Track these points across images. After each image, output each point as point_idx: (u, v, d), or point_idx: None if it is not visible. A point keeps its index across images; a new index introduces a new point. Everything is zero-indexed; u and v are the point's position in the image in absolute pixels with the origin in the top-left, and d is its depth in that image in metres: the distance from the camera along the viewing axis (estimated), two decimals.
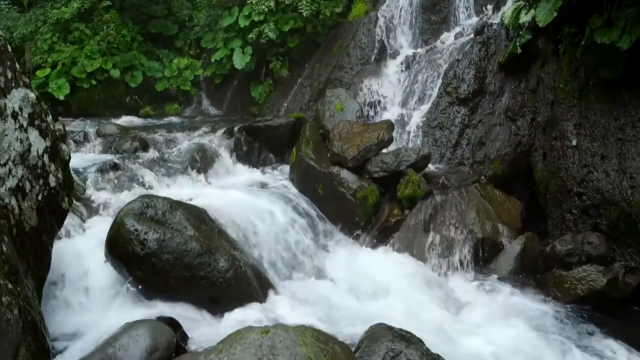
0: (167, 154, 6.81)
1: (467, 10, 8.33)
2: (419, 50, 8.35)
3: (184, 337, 3.90)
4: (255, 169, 7.16)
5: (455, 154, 6.87)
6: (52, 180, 3.77)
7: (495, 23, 7.37)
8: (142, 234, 4.27)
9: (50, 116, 3.90)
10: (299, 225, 5.69)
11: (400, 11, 8.77)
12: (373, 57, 8.62)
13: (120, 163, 6.34)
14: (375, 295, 4.84)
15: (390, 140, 6.29)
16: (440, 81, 7.33)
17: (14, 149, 3.39)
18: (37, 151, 3.62)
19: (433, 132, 7.09)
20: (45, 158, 3.71)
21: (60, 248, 4.53)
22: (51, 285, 4.16)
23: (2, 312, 2.67)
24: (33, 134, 3.59)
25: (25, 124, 3.51)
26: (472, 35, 7.62)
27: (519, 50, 6.44)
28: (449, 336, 4.11)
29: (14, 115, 3.42)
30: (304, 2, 8.98)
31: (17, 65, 3.61)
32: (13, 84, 3.49)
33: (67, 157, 4.19)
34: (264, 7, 9.10)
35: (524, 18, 6.16)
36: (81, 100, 9.85)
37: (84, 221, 5.06)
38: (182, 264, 4.27)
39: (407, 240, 5.59)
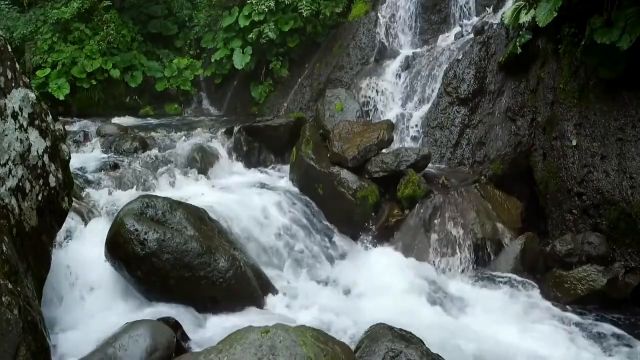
0: (167, 154, 6.80)
1: (467, 10, 8.34)
2: (418, 50, 8.36)
3: (184, 337, 3.89)
4: (255, 169, 7.16)
5: (455, 154, 6.87)
6: (52, 180, 3.77)
7: (495, 23, 7.37)
8: (142, 234, 4.27)
9: (50, 116, 3.89)
10: (299, 225, 5.69)
11: (400, 11, 8.77)
12: (373, 57, 8.63)
13: (120, 163, 6.33)
14: (375, 295, 4.84)
15: (390, 140, 6.30)
16: (440, 81, 7.33)
17: (14, 149, 3.39)
18: (37, 151, 3.62)
19: (433, 132, 7.09)
20: (45, 158, 3.70)
21: (60, 248, 4.54)
22: (51, 284, 4.16)
23: (2, 312, 2.67)
24: (33, 134, 3.59)
25: (25, 124, 3.51)
26: (472, 35, 7.62)
27: (519, 50, 6.44)
28: (449, 336, 4.11)
29: (14, 115, 3.42)
30: (304, 2, 8.99)
31: (17, 65, 3.61)
32: (13, 84, 3.49)
33: (67, 157, 4.19)
34: (264, 7, 9.10)
35: (524, 18, 6.16)
36: (81, 100, 9.85)
37: (83, 221, 5.05)
38: (182, 264, 4.27)
39: (407, 240, 5.59)
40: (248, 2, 9.37)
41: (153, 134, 7.65)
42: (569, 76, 5.59)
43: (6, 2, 10.35)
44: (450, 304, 4.78)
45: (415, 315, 4.40)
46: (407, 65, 8.11)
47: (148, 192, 5.74)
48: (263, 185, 6.47)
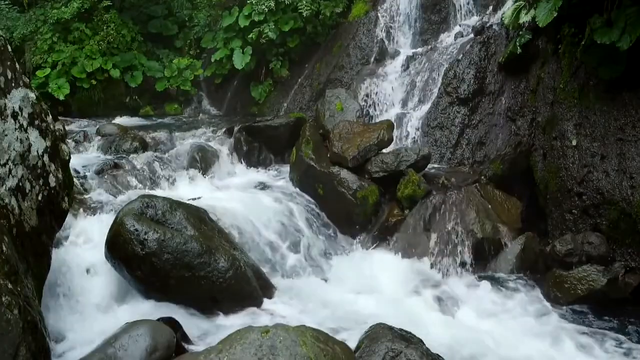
0: (167, 154, 6.80)
1: (467, 10, 8.33)
2: (419, 50, 8.35)
3: (184, 337, 3.90)
4: (255, 169, 7.16)
5: (455, 154, 6.86)
6: (52, 180, 3.77)
7: (495, 23, 7.37)
8: (142, 234, 4.27)
9: (50, 116, 3.90)
10: (299, 225, 5.69)
11: (400, 11, 8.76)
12: (373, 57, 8.62)
13: (120, 163, 6.33)
14: (375, 295, 4.84)
15: (390, 140, 6.30)
16: (440, 81, 7.32)
17: (14, 149, 3.39)
18: (37, 151, 3.62)
19: (433, 132, 7.08)
20: (45, 158, 3.71)
21: (60, 248, 4.54)
22: (51, 285, 4.16)
23: (2, 312, 2.67)
24: (33, 134, 3.59)
25: (25, 124, 3.52)
26: (472, 35, 7.62)
27: (519, 50, 6.44)
28: (448, 336, 4.11)
29: (14, 115, 3.43)
30: (304, 2, 8.98)
31: (17, 65, 3.61)
32: (13, 84, 3.49)
33: (67, 157, 4.19)
34: (264, 7, 9.09)
35: (524, 18, 6.15)
36: (81, 100, 9.83)
37: (83, 221, 5.05)
38: (182, 264, 4.28)
39: (407, 240, 5.59)
40: (248, 2, 9.36)
41: (153, 134, 7.64)
42: (569, 76, 5.59)
43: (6, 2, 10.34)
44: (450, 304, 4.78)
45: (415, 315, 4.41)
46: (407, 65, 8.10)
47: (148, 192, 5.75)
48: (263, 185, 6.47)
